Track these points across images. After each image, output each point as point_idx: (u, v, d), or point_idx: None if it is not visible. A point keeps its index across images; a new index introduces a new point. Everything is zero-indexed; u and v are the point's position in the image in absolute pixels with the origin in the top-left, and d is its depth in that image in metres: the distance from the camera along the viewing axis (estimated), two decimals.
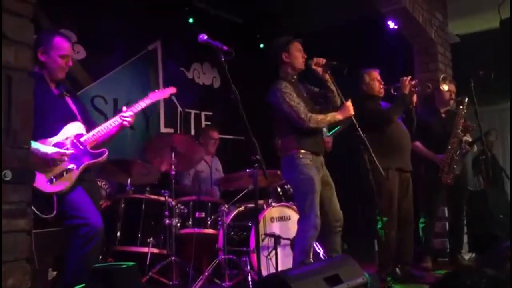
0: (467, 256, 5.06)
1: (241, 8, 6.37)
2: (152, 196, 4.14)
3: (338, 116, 3.46)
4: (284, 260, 3.91)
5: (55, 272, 2.94)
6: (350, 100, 3.52)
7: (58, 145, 2.76)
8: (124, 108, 3.10)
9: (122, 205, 4.03)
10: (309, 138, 3.43)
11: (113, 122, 3.02)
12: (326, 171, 3.57)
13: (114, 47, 5.11)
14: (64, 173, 2.72)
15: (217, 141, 5.34)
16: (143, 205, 4.03)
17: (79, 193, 2.77)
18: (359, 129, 3.44)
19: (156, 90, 3.35)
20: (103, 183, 4.40)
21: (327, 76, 3.49)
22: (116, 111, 4.83)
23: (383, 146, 3.92)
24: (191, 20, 5.89)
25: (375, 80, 4.22)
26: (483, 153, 5.37)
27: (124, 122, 3.03)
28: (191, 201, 4.23)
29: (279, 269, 3.72)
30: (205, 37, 2.84)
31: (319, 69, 3.49)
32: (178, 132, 5.83)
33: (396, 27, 5.17)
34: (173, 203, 4.03)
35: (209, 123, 6.25)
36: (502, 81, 4.88)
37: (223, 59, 2.81)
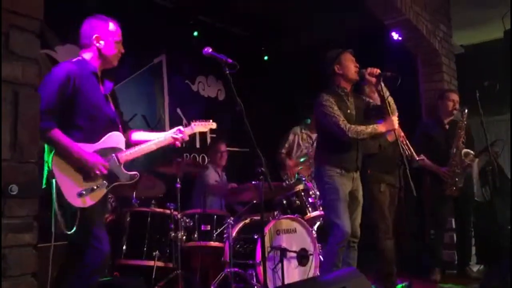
0: (475, 268, 5.01)
1: (246, 21, 6.41)
2: (158, 209, 4.13)
3: (380, 128, 3.47)
4: (290, 273, 3.88)
5: None
6: (396, 115, 3.53)
7: (97, 155, 2.58)
8: (182, 128, 3.04)
9: (128, 219, 4.02)
10: (340, 155, 3.51)
11: (154, 145, 2.88)
12: (359, 187, 3.64)
13: (120, 61, 5.14)
14: (95, 187, 2.55)
15: (225, 153, 5.40)
16: (149, 218, 4.02)
17: (99, 218, 2.61)
18: (402, 146, 3.42)
19: (198, 121, 3.26)
20: (108, 196, 4.40)
21: (379, 87, 3.52)
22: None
23: (378, 161, 3.94)
24: (195, 34, 5.93)
25: (374, 92, 4.23)
26: (490, 164, 5.34)
27: (177, 143, 2.99)
28: (196, 214, 4.23)
29: (286, 282, 3.69)
30: (210, 50, 2.84)
31: (373, 79, 3.53)
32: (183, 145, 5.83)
33: (400, 38, 5.18)
34: (179, 216, 4.02)
35: (214, 135, 6.26)
36: (508, 91, 4.88)
37: (227, 72, 2.81)
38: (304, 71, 6.28)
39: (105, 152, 2.64)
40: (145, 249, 3.92)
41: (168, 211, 4.01)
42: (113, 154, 2.68)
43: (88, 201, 2.50)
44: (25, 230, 1.65)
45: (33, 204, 1.69)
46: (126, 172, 2.73)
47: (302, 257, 4.02)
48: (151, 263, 3.85)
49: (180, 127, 3.06)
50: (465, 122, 4.63)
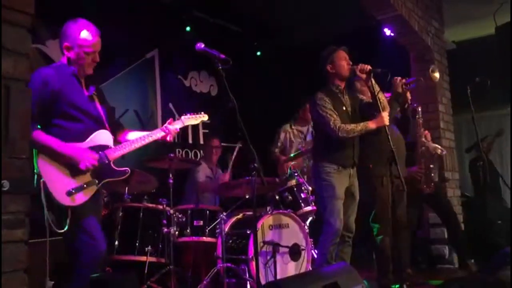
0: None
1: (239, 16, 6.40)
2: (150, 205, 4.12)
3: (371, 125, 3.52)
4: (282, 268, 3.90)
5: (52, 282, 2.83)
6: (387, 111, 3.57)
7: (84, 148, 2.58)
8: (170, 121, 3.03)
9: (120, 214, 4.00)
10: (337, 152, 3.57)
11: (144, 139, 2.85)
12: (355, 183, 3.69)
13: (112, 56, 5.12)
14: (84, 185, 2.53)
15: (218, 148, 5.38)
16: (141, 214, 4.01)
17: (92, 215, 2.57)
18: (390, 140, 3.41)
19: (188, 114, 3.22)
20: (102, 192, 4.38)
21: (370, 83, 3.56)
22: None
23: (378, 153, 3.91)
24: (188, 29, 5.91)
25: (365, 87, 4.25)
26: (480, 159, 5.38)
27: (168, 138, 2.96)
28: (189, 209, 4.23)
29: (278, 277, 3.71)
30: (202, 45, 2.84)
31: (363, 76, 3.57)
32: (175, 140, 5.83)
33: (392, 34, 5.20)
34: (171, 211, 4.02)
35: (206, 131, 6.26)
36: (499, 86, 4.90)
37: (220, 67, 2.81)
38: (297, 67, 6.29)
39: (94, 150, 2.63)
40: (137, 244, 3.91)
41: (160, 207, 4.01)
42: (102, 152, 2.65)
43: (78, 199, 2.49)
44: (17, 226, 1.64)
45: (25, 200, 1.68)
46: (116, 168, 2.71)
47: (295, 252, 4.04)
48: (144, 258, 3.85)
49: (171, 121, 3.05)
50: (422, 119, 4.48)
